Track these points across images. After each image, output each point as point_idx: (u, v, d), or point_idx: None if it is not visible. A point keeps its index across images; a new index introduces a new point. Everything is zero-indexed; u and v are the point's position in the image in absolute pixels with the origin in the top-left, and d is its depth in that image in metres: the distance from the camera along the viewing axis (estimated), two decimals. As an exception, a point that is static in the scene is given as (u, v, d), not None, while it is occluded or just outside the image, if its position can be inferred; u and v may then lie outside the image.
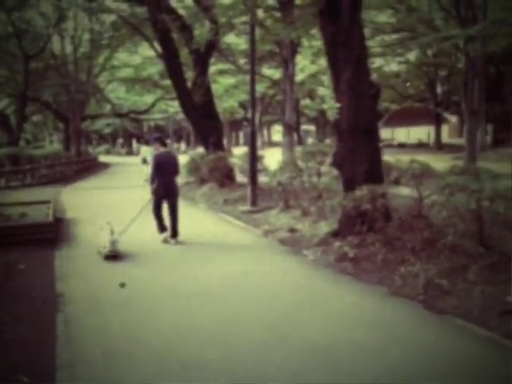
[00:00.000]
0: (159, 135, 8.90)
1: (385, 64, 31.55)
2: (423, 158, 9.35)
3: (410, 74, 34.33)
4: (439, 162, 11.30)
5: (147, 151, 18.24)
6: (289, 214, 9.94)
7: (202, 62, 16.53)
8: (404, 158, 8.63)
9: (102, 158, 40.47)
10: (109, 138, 67.74)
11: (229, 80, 30.64)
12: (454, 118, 40.76)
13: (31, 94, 27.48)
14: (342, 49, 7.44)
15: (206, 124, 16.33)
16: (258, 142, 26.25)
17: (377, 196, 6.78)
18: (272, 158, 14.57)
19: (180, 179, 17.51)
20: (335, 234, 7.56)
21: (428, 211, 7.43)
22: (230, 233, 9.24)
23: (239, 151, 18.50)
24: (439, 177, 7.32)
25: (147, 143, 20.74)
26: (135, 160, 36.01)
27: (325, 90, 30.80)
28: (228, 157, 15.74)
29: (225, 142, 23.47)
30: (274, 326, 4.55)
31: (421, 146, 39.93)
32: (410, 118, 39.27)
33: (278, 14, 17.13)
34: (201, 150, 18.96)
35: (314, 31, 16.38)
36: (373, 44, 21.24)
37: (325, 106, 34.15)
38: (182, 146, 58.43)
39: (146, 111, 38.02)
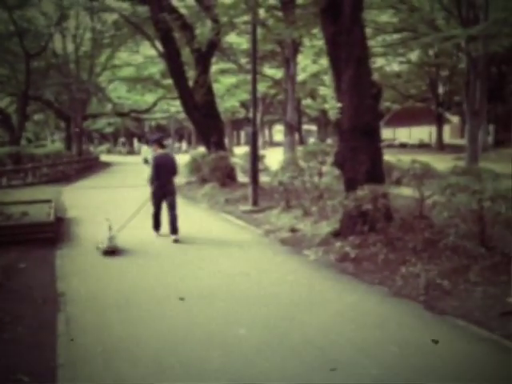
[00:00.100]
0: (158, 137, 9.03)
1: (386, 64, 31.57)
2: (424, 158, 9.34)
3: (411, 73, 34.31)
4: (440, 163, 11.30)
5: (148, 151, 18.27)
6: (290, 214, 9.93)
7: (203, 61, 16.54)
8: (405, 158, 8.62)
9: (104, 158, 40.49)
10: (110, 137, 67.82)
11: (230, 79, 30.67)
12: (455, 119, 40.79)
13: (33, 93, 27.50)
14: (344, 48, 7.43)
15: (207, 123, 16.34)
16: (260, 142, 26.29)
17: (378, 196, 6.77)
18: (273, 158, 14.58)
19: (181, 179, 17.60)
20: (336, 234, 7.56)
21: (429, 211, 7.43)
22: (231, 232, 9.24)
23: (240, 151, 18.51)
24: (441, 177, 7.32)
25: (148, 143, 20.77)
26: (137, 159, 36.09)
27: (326, 90, 30.82)
28: (229, 156, 15.75)
29: (226, 141, 23.47)
30: (275, 326, 4.54)
31: (422, 146, 39.98)
32: (412, 118, 39.33)
33: (279, 14, 17.14)
34: (202, 149, 18.96)
35: (316, 31, 16.40)
36: (374, 44, 21.25)
37: (326, 106, 34.15)
38: (184, 145, 58.50)
39: (148, 110, 38.04)
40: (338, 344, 4.15)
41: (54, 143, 49.61)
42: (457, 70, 30.45)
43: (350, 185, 7.44)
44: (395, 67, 34.12)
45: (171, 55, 16.16)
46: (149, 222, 8.81)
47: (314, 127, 64.20)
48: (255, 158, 11.60)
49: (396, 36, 22.79)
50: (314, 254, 7.11)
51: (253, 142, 11.63)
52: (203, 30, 15.76)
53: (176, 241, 8.26)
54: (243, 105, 40.65)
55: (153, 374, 3.71)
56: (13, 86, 28.01)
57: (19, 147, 24.14)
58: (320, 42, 18.25)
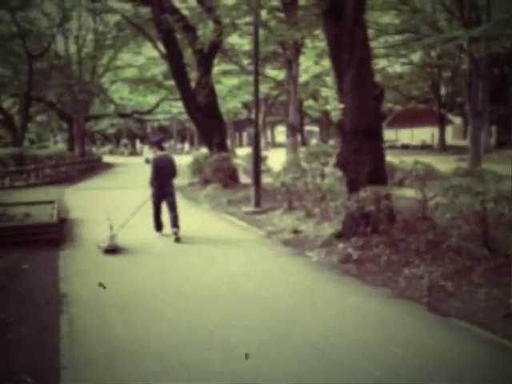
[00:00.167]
0: (157, 139, 9.20)
1: (388, 65, 31.54)
2: (427, 159, 9.33)
3: (413, 75, 34.28)
4: (443, 164, 11.28)
5: (149, 152, 18.32)
6: (292, 215, 9.93)
7: (205, 62, 16.55)
8: (408, 160, 8.61)
9: (106, 159, 40.54)
10: (112, 138, 67.91)
11: (232, 81, 30.70)
12: (457, 120, 40.72)
13: (35, 94, 27.54)
14: (346, 50, 7.43)
15: (209, 124, 16.35)
16: (262, 143, 26.27)
17: (381, 197, 6.76)
18: (276, 159, 14.57)
19: (184, 180, 17.61)
20: (339, 236, 7.55)
21: (432, 213, 7.42)
22: (233, 233, 9.24)
23: (243, 152, 18.51)
24: (443, 178, 7.30)
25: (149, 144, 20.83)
26: (139, 160, 36.13)
27: (328, 91, 30.81)
28: (232, 157, 15.76)
29: (228, 142, 23.45)
30: (276, 327, 4.54)
31: (424, 147, 39.96)
32: (414, 120, 39.30)
33: (281, 15, 17.13)
34: (204, 150, 18.96)
35: (318, 32, 16.38)
36: (376, 45, 21.23)
37: (328, 107, 34.16)
38: (186, 146, 58.53)
39: (150, 112, 38.07)
40: (341, 345, 4.14)
41: (57, 144, 49.76)
42: (459, 71, 30.42)
43: (353, 186, 7.44)
44: (397, 68, 34.10)
45: (173, 56, 16.17)
46: (150, 222, 8.84)
47: (316, 128, 64.20)
48: (257, 159, 11.61)
49: (398, 37, 22.76)
50: (317, 255, 7.10)
51: (255, 143, 11.63)
52: (205, 31, 15.75)
53: (177, 239, 8.36)
54: (245, 106, 40.66)
55: (155, 374, 3.71)
56: (15, 87, 28.07)
57: (22, 148, 24.20)
58: (322, 44, 18.24)
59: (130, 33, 24.83)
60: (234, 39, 22.73)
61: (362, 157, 7.42)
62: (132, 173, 25.56)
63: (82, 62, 29.63)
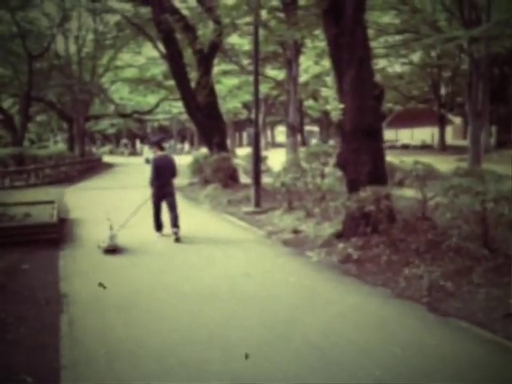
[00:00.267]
0: (157, 139, 9.24)
1: (388, 65, 31.54)
2: (427, 159, 9.33)
3: (413, 75, 34.28)
4: (443, 164, 11.28)
5: (149, 152, 18.32)
6: (292, 215, 9.93)
7: (205, 62, 16.55)
8: (408, 160, 8.61)
9: (106, 159, 40.54)
10: (113, 138, 67.92)
11: (232, 81, 30.70)
12: (457, 120, 40.73)
13: (35, 94, 27.54)
14: (346, 50, 7.43)
15: (209, 124, 16.35)
16: (262, 143, 26.28)
17: (381, 197, 6.76)
18: (276, 159, 14.57)
19: (184, 180, 17.61)
20: (339, 236, 7.55)
21: (432, 213, 7.42)
22: (233, 233, 9.24)
23: (243, 152, 18.51)
24: (443, 178, 7.30)
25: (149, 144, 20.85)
26: (139, 160, 36.13)
27: (328, 91, 30.81)
28: (232, 157, 15.76)
29: (228, 142, 23.46)
30: (276, 327, 4.54)
31: (424, 147, 39.96)
32: (414, 120, 39.31)
33: (281, 15, 17.13)
34: (204, 150, 18.96)
35: (318, 32, 16.38)
36: (376, 45, 21.23)
37: (328, 107, 34.17)
38: (186, 146, 58.54)
39: (150, 112, 38.07)
40: (341, 345, 4.14)
41: (57, 144, 49.77)
42: (459, 71, 30.42)
43: (353, 186, 7.44)
44: (397, 68, 34.10)
45: (173, 56, 16.18)
46: (150, 222, 8.85)
47: (316, 128, 64.21)
48: (257, 159, 11.61)
49: (398, 37, 22.76)
50: (317, 255, 7.11)
51: (255, 143, 11.63)
52: (205, 31, 15.75)
53: (177, 239, 8.38)
54: (245, 106, 40.66)
55: (155, 374, 3.71)
56: (15, 87, 28.07)
57: (22, 148, 24.20)
58: (322, 44, 18.24)
59: (130, 33, 24.84)
60: (233, 39, 22.74)
61: (362, 157, 7.42)
62: (132, 173, 25.56)
63: (82, 61, 29.63)
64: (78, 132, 30.91)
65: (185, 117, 36.15)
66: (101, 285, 5.79)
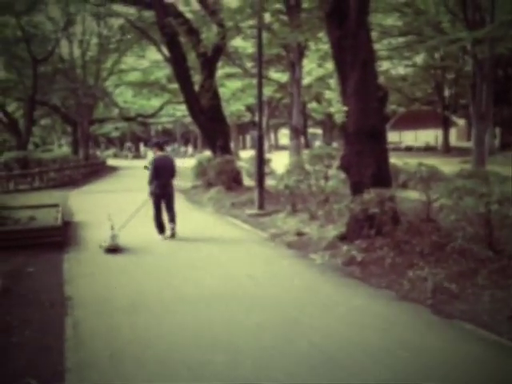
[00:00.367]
0: (157, 141, 9.57)
1: (392, 67, 31.51)
2: (431, 161, 9.32)
3: (417, 76, 34.24)
4: (447, 166, 11.26)
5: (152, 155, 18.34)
6: (296, 218, 9.93)
7: (209, 65, 16.59)
8: (412, 162, 8.60)
9: (110, 162, 40.63)
10: (117, 141, 68.10)
11: (236, 83, 30.72)
12: (461, 121, 40.64)
13: (40, 98, 27.67)
14: (349, 52, 7.44)
15: (213, 127, 16.37)
16: (265, 146, 26.28)
17: (385, 199, 6.76)
18: (279, 162, 14.58)
19: (187, 183, 17.64)
20: (343, 238, 7.54)
21: (436, 215, 7.40)
22: (236, 236, 9.24)
23: (246, 155, 18.55)
24: (447, 180, 7.28)
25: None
26: (143, 163, 36.18)
27: (332, 93, 30.79)
28: (235, 160, 15.79)
29: (232, 145, 23.50)
30: (280, 330, 4.53)
31: (428, 149, 39.83)
32: (418, 121, 39.24)
33: (285, 18, 17.17)
34: (208, 153, 19.00)
35: (321, 34, 16.41)
36: (380, 47, 21.22)
37: (332, 110, 34.10)
38: (190, 149, 58.63)
39: (154, 115, 38.17)
40: (345, 348, 4.14)
41: (61, 148, 49.91)
42: (463, 73, 30.34)
43: (357, 188, 7.43)
44: (401, 70, 34.07)
45: (177, 60, 16.22)
46: (151, 222, 8.89)
47: (319, 131, 64.19)
48: (261, 161, 11.61)
49: (401, 39, 22.76)
50: (321, 257, 7.10)
51: (259, 146, 11.64)
52: (209, 34, 15.80)
53: (173, 235, 8.74)
54: (249, 109, 40.69)
55: (160, 377, 3.72)
56: (20, 91, 28.20)
57: (26, 152, 24.28)
58: (325, 46, 18.25)
59: (134, 36, 24.96)
60: (237, 42, 22.81)
61: (366, 159, 7.41)
62: (136, 176, 25.56)
63: (86, 65, 29.73)
64: (82, 135, 31.01)
65: (188, 120, 36.22)
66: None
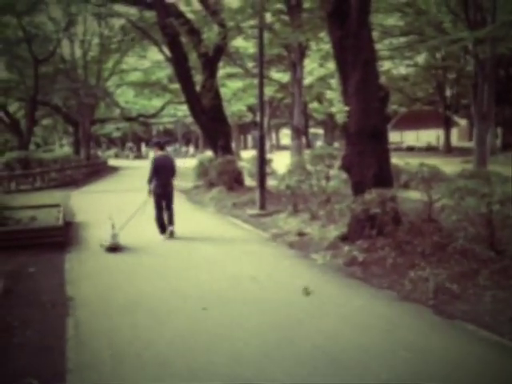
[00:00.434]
0: (157, 140, 9.72)
1: (393, 67, 31.48)
2: (432, 161, 9.31)
3: (418, 76, 34.21)
4: (449, 166, 11.25)
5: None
6: (297, 218, 9.92)
7: (210, 65, 16.59)
8: (413, 162, 8.59)
9: (111, 162, 40.66)
10: (118, 141, 68.15)
11: (237, 84, 30.72)
12: (463, 121, 40.57)
13: (41, 98, 27.70)
14: (351, 52, 7.43)
15: (214, 127, 16.37)
16: (267, 146, 26.29)
17: (386, 199, 6.75)
18: (280, 162, 14.57)
19: (189, 183, 17.64)
20: (344, 238, 7.54)
21: (438, 215, 7.39)
22: (238, 236, 9.24)
23: (248, 155, 18.52)
24: (449, 180, 7.28)
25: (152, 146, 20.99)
26: (144, 163, 36.19)
27: (333, 93, 30.71)
28: (236, 160, 15.78)
29: (233, 145, 23.50)
30: (282, 331, 4.53)
31: (430, 149, 39.80)
32: (419, 121, 39.16)
33: (286, 18, 17.15)
34: (209, 153, 19.00)
35: (323, 34, 16.40)
36: (381, 47, 21.21)
37: (333, 110, 34.03)
38: (191, 149, 58.67)
39: (155, 115, 38.17)
40: (347, 348, 4.13)
41: (63, 148, 49.98)
42: (464, 73, 30.30)
43: (358, 188, 7.42)
44: (402, 70, 34.03)
45: (178, 60, 16.22)
46: (152, 222, 8.90)
47: (320, 131, 64.16)
48: (262, 161, 11.61)
49: (403, 39, 22.74)
50: (322, 257, 7.09)
51: (260, 146, 11.64)
52: (210, 34, 15.79)
53: (171, 235, 8.77)
54: (250, 109, 40.67)
55: (160, 377, 3.71)
56: (21, 92, 28.23)
57: (28, 152, 24.30)
58: (327, 46, 18.23)
59: (135, 37, 24.95)
60: (238, 42, 22.80)
61: (367, 159, 7.40)
62: (137, 176, 25.56)
63: (87, 65, 29.75)
64: (83, 135, 31.03)
65: (190, 120, 36.26)
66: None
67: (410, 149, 40.10)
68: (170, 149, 52.47)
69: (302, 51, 19.04)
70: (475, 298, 5.16)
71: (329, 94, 33.37)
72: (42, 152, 32.54)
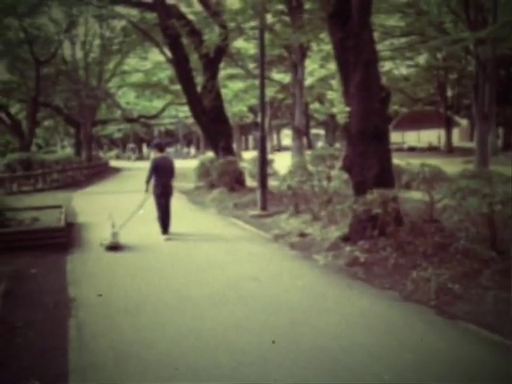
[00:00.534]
0: (158, 142, 9.83)
1: (394, 67, 31.51)
2: (434, 161, 9.31)
3: (419, 77, 34.22)
4: (450, 166, 11.24)
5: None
6: (299, 219, 9.92)
7: (211, 66, 16.61)
8: (414, 162, 8.59)
9: (113, 163, 40.73)
10: (119, 142, 68.23)
11: (238, 84, 30.79)
12: (464, 122, 40.58)
13: (42, 100, 27.79)
14: (352, 53, 7.43)
15: (215, 128, 16.39)
16: (268, 147, 26.30)
17: (388, 200, 6.74)
18: (282, 162, 14.59)
19: (190, 184, 17.65)
20: (346, 239, 7.54)
21: (439, 215, 7.39)
22: (239, 237, 9.24)
23: (249, 155, 18.53)
24: (450, 180, 7.27)
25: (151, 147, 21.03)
26: (146, 165, 36.23)
27: (334, 94, 30.79)
28: (238, 161, 15.78)
29: (234, 146, 23.50)
30: (284, 331, 4.53)
31: (431, 149, 39.80)
32: (420, 122, 39.17)
33: (287, 19, 17.17)
34: (210, 154, 19.01)
35: (323, 35, 16.41)
36: (382, 47, 21.23)
37: (334, 110, 34.12)
38: (192, 150, 58.72)
39: (156, 116, 38.23)
40: (349, 349, 4.13)
41: (64, 149, 50.05)
42: (465, 73, 30.33)
43: (359, 189, 7.42)
44: (403, 71, 34.07)
45: (179, 61, 16.25)
46: (152, 223, 8.89)
47: (322, 131, 64.19)
48: (264, 162, 11.62)
49: (404, 40, 22.76)
50: (324, 258, 7.10)
51: (261, 147, 11.65)
52: (211, 35, 15.81)
53: (168, 239, 8.77)
54: (251, 109, 40.73)
55: (163, 378, 3.72)
56: (23, 93, 28.32)
57: (29, 153, 24.36)
58: (328, 47, 18.27)
59: (137, 38, 25.01)
60: (239, 43, 22.82)
61: (369, 159, 7.40)
62: (139, 177, 25.54)
63: (88, 67, 29.83)
64: (84, 137, 31.09)
65: (191, 121, 36.29)
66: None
67: (412, 149, 40.11)
68: (171, 150, 52.56)
69: (303, 52, 19.07)
70: (477, 298, 5.15)
71: (330, 95, 33.42)
72: (44, 153, 32.57)
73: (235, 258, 7.48)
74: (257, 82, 15.40)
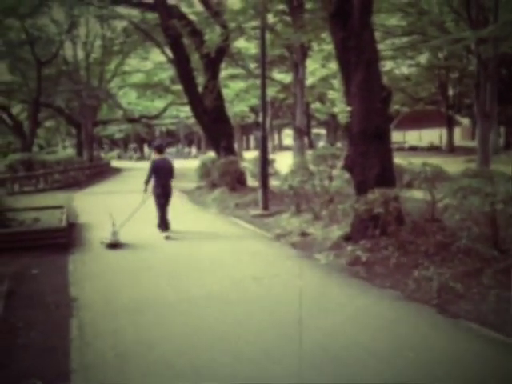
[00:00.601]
0: (159, 143, 9.99)
1: (395, 67, 31.49)
2: (435, 160, 9.29)
3: (420, 76, 34.21)
4: (451, 165, 11.21)
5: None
6: (300, 218, 9.92)
7: (212, 66, 16.61)
8: (416, 161, 8.57)
9: (114, 163, 40.75)
10: (121, 143, 68.29)
11: (239, 84, 30.78)
12: (466, 121, 40.55)
13: (44, 100, 27.79)
14: (353, 52, 7.42)
15: (216, 128, 16.39)
16: (269, 146, 26.24)
17: (389, 199, 6.74)
18: (283, 162, 14.57)
19: (191, 184, 17.66)
20: (347, 238, 7.53)
21: (441, 214, 7.37)
22: (240, 237, 9.24)
23: (250, 155, 18.53)
24: (452, 180, 7.26)
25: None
26: (147, 165, 36.26)
27: (335, 94, 30.79)
28: (239, 161, 15.78)
29: (236, 146, 23.49)
30: (285, 330, 4.53)
31: (432, 148, 39.80)
32: (422, 121, 39.18)
33: (288, 19, 17.16)
34: (212, 154, 19.01)
35: (325, 35, 16.40)
36: (383, 47, 21.22)
37: (335, 110, 34.11)
38: (193, 150, 58.75)
39: (158, 116, 38.24)
40: (350, 348, 4.13)
41: (66, 149, 50.09)
42: (467, 72, 30.30)
43: (361, 188, 7.42)
44: (404, 70, 34.06)
45: (181, 61, 16.25)
46: (152, 222, 8.89)
47: (323, 131, 64.20)
48: (265, 162, 11.62)
49: (405, 39, 22.75)
50: (325, 257, 7.09)
51: (262, 147, 11.65)
52: (212, 35, 15.82)
53: (167, 237, 8.81)
54: (252, 109, 40.72)
55: (164, 377, 3.72)
56: (24, 94, 28.34)
57: (31, 154, 24.38)
58: (329, 46, 18.27)
59: (138, 38, 25.02)
60: (240, 43, 22.82)
61: (370, 159, 7.40)
62: (140, 177, 25.53)
63: (89, 67, 29.86)
64: (86, 137, 31.11)
65: (192, 121, 36.31)
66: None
67: (413, 148, 40.11)
68: (172, 150, 52.59)
69: (304, 52, 19.04)
70: (479, 297, 5.15)
71: (331, 95, 33.43)
72: (45, 154, 32.60)
73: (236, 257, 7.48)
74: (258, 81, 15.41)
